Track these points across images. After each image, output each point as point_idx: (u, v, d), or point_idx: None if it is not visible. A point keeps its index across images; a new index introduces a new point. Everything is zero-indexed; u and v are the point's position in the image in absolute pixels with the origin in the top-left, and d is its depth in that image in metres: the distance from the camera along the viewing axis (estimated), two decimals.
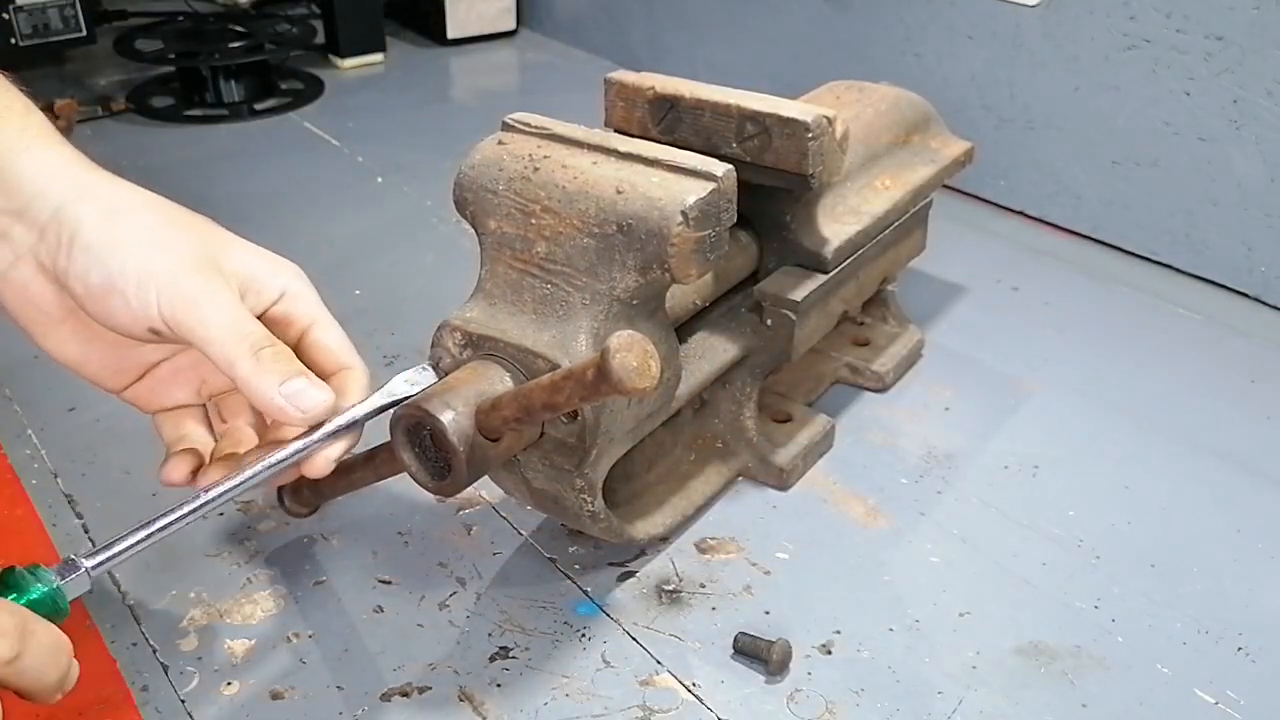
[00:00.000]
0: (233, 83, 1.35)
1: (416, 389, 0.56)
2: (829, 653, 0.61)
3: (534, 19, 1.64)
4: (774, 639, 0.59)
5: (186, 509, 0.50)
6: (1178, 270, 1.01)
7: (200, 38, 1.39)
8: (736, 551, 0.68)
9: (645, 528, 0.66)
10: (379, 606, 0.64)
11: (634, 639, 0.62)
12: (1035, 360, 0.88)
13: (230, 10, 1.53)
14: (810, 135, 0.63)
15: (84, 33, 1.37)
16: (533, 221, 0.57)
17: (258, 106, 1.36)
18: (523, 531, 0.69)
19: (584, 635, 0.62)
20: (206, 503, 0.51)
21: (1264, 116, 0.91)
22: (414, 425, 0.54)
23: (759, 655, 0.60)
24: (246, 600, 0.64)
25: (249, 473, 0.52)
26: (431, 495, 0.57)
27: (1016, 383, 0.85)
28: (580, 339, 0.56)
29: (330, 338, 0.56)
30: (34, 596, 0.46)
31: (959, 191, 1.14)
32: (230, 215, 1.14)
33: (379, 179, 1.17)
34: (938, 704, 0.58)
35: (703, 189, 0.55)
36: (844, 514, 0.72)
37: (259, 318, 0.53)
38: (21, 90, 0.54)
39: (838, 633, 0.62)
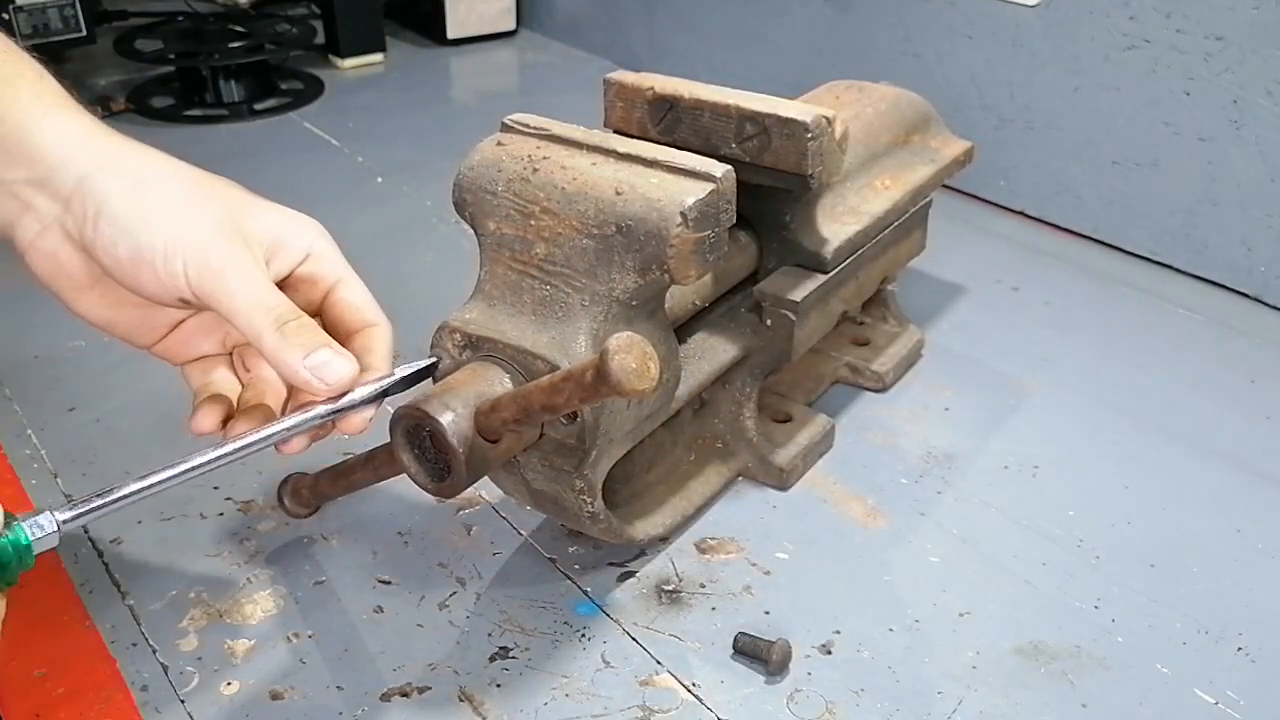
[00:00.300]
0: (233, 83, 1.35)
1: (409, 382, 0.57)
2: (829, 653, 0.61)
3: (534, 19, 1.64)
4: (774, 639, 0.59)
5: (166, 474, 0.50)
6: (1178, 270, 1.01)
7: (200, 38, 1.39)
8: (736, 551, 0.68)
9: (645, 528, 0.66)
10: (379, 606, 0.64)
11: (634, 639, 0.62)
12: (1035, 360, 0.88)
13: (230, 10, 1.53)
14: (809, 135, 0.63)
15: (84, 33, 1.37)
16: (532, 223, 0.57)
17: (258, 106, 1.35)
18: (522, 531, 0.69)
19: (584, 635, 0.62)
20: (191, 469, 0.50)
21: (1264, 116, 0.91)
22: (413, 427, 0.54)
23: (759, 655, 0.60)
24: (246, 600, 0.64)
25: (238, 444, 0.51)
26: (431, 496, 0.57)
27: (1016, 383, 0.85)
28: (579, 340, 0.55)
29: (355, 295, 0.56)
30: None
31: (959, 191, 1.14)
32: None
33: (379, 179, 1.17)
34: (938, 704, 0.58)
35: (702, 190, 0.55)
36: (844, 514, 0.72)
37: (285, 279, 0.54)
38: (35, 58, 0.54)
39: (838, 633, 0.62)
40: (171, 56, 1.38)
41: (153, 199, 0.51)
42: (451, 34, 1.57)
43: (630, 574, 0.66)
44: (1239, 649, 0.62)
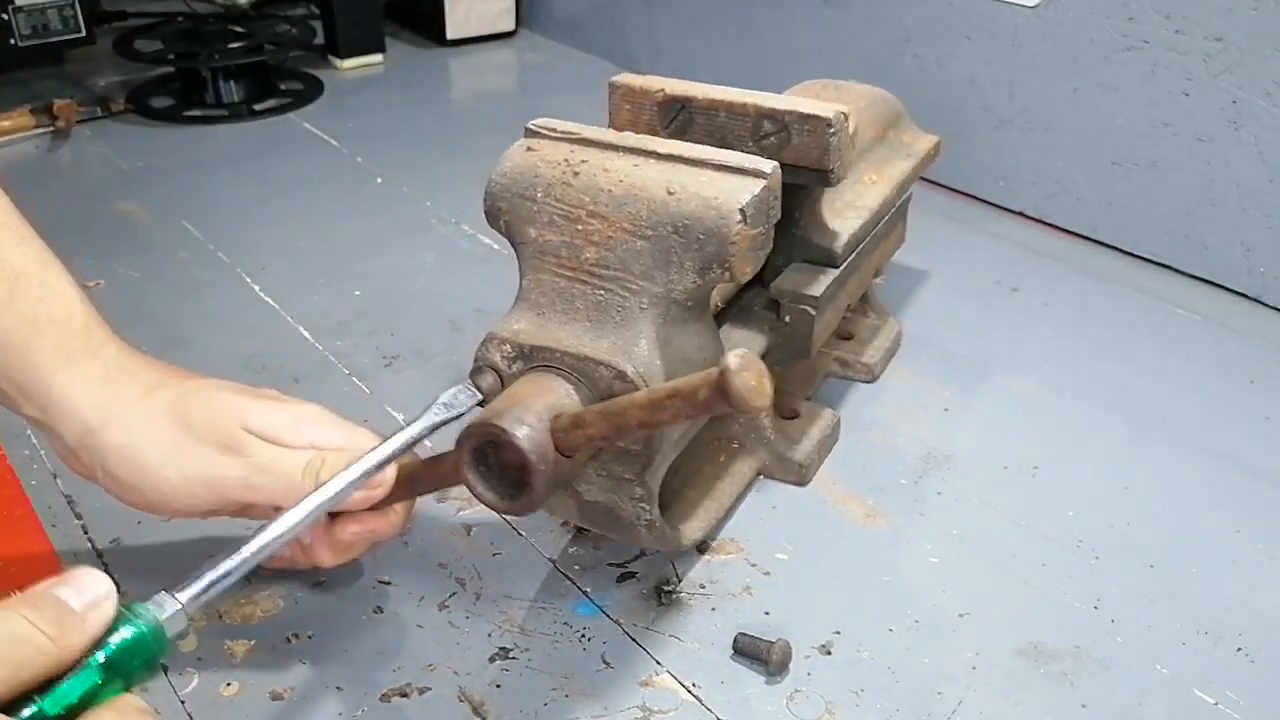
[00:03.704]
0: (232, 83, 1.35)
1: (457, 409, 0.56)
2: (829, 653, 0.61)
3: (533, 19, 1.64)
4: (774, 639, 0.59)
5: (272, 534, 0.49)
6: (1177, 270, 1.01)
7: (200, 38, 1.39)
8: (736, 552, 0.68)
9: (688, 533, 0.65)
10: (379, 607, 0.64)
11: (634, 639, 0.62)
12: (1035, 360, 0.88)
13: (230, 11, 1.53)
14: (831, 130, 0.63)
15: (83, 33, 1.37)
16: (579, 227, 0.56)
17: (257, 107, 1.36)
18: (522, 532, 0.69)
19: (584, 636, 0.62)
20: (296, 524, 0.50)
21: (1263, 117, 0.91)
22: (484, 444, 0.52)
23: (759, 656, 0.60)
24: (246, 600, 0.64)
25: (331, 491, 0.52)
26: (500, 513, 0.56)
27: (1016, 383, 0.85)
28: (641, 344, 0.55)
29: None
30: (135, 635, 0.40)
31: (959, 192, 1.14)
32: (230, 216, 1.14)
33: (378, 179, 1.17)
34: (937, 704, 0.58)
35: (755, 186, 0.54)
36: (843, 514, 0.72)
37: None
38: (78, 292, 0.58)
39: (837, 633, 0.62)
40: (171, 57, 1.38)
41: (149, 459, 0.55)
42: (451, 34, 1.57)
43: (630, 575, 0.66)
44: (1239, 649, 0.62)
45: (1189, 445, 0.78)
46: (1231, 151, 0.93)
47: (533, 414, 0.51)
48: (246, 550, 0.48)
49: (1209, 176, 0.96)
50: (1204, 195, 0.97)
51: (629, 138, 0.59)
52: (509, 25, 1.61)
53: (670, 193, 0.55)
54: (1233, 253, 0.96)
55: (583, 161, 0.57)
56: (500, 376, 0.57)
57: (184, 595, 0.44)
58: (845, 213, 0.73)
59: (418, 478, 0.59)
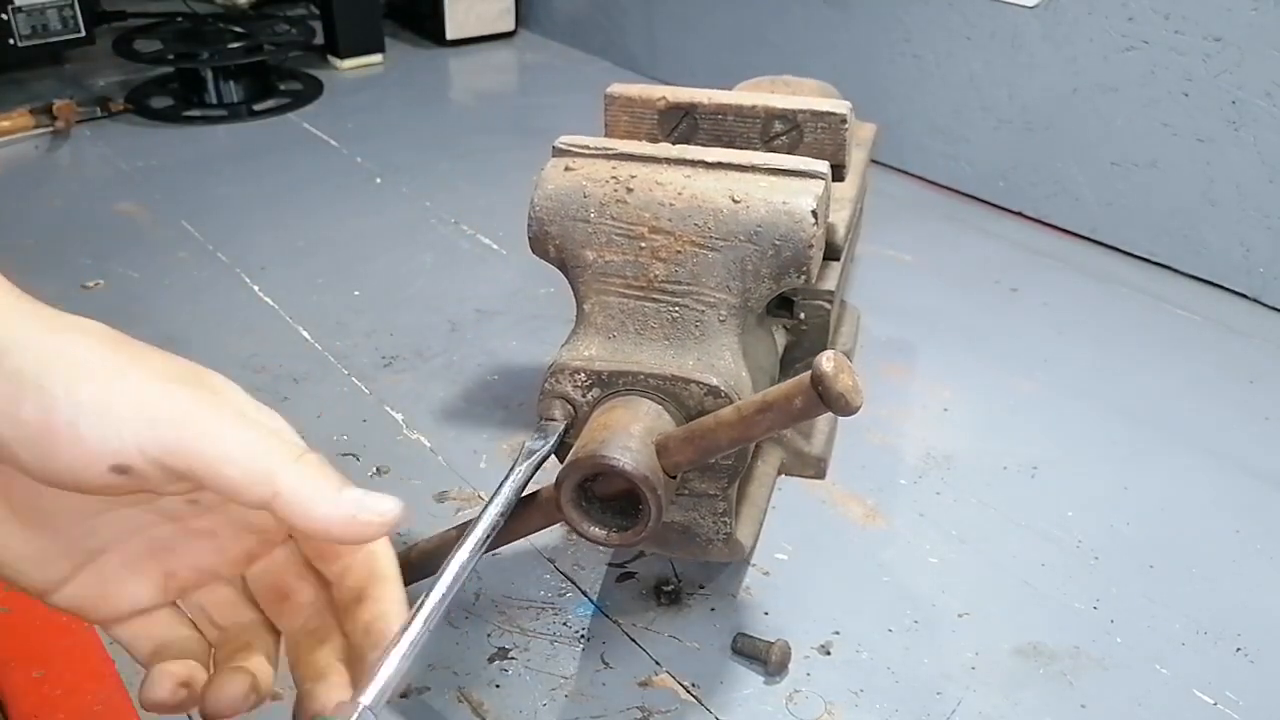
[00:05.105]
0: (231, 83, 1.35)
1: (545, 446, 0.53)
2: (828, 653, 0.61)
3: (533, 20, 1.64)
4: (773, 639, 0.59)
5: (436, 599, 0.44)
6: (1177, 271, 1.01)
7: (199, 38, 1.39)
8: None
9: (744, 540, 0.63)
10: None
11: (633, 639, 0.62)
12: (1035, 360, 0.88)
13: (229, 11, 1.53)
14: (846, 126, 0.63)
15: (83, 33, 1.37)
16: (642, 245, 0.55)
17: (256, 107, 1.35)
18: None
19: (583, 636, 0.62)
20: (452, 588, 0.45)
21: (1262, 118, 0.91)
22: (588, 478, 0.50)
23: (758, 656, 0.60)
24: None
25: (475, 538, 0.47)
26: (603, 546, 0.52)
27: (1016, 383, 0.85)
28: (725, 356, 0.54)
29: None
30: None
31: (959, 192, 1.14)
32: (230, 216, 1.14)
33: (378, 179, 1.17)
34: (937, 704, 0.58)
35: (818, 188, 0.54)
36: (843, 514, 0.72)
37: None
38: None
39: (837, 633, 0.62)
40: (170, 57, 1.38)
41: (75, 347, 0.35)
42: (450, 35, 1.57)
43: (629, 575, 0.66)
44: (1238, 649, 0.62)
45: (1189, 445, 0.78)
46: (1231, 151, 0.93)
47: (636, 440, 0.50)
48: (413, 630, 0.43)
49: (1208, 176, 0.96)
50: (1203, 195, 0.97)
51: (667, 149, 0.58)
52: (509, 25, 1.61)
53: (736, 201, 0.54)
54: (1232, 253, 0.96)
55: (632, 177, 0.56)
56: (574, 407, 0.55)
57: (367, 698, 0.41)
58: (833, 205, 0.73)
59: (514, 525, 0.53)
